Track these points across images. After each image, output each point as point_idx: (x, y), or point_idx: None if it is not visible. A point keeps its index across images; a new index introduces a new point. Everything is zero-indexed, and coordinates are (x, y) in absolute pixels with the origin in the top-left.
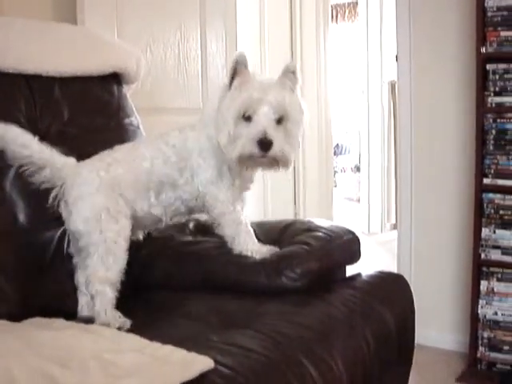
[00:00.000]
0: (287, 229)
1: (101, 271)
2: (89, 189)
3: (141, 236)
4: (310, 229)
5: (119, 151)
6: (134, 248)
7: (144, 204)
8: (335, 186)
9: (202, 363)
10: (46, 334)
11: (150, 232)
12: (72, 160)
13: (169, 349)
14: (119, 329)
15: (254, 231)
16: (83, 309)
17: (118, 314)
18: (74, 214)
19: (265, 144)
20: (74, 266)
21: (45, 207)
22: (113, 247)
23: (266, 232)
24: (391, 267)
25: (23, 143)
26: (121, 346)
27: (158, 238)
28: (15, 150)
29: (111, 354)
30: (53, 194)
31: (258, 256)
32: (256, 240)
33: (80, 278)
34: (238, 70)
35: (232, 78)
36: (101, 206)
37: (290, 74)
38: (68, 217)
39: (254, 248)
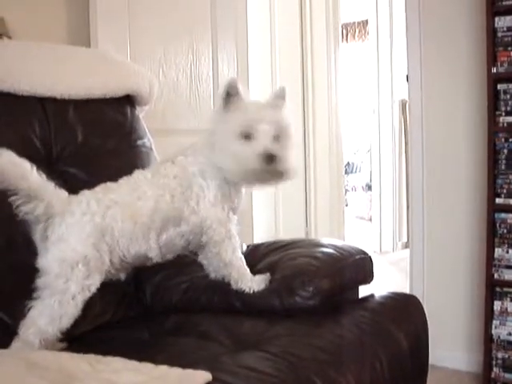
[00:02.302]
0: (296, 243)
1: (42, 321)
2: (77, 234)
3: (123, 276)
4: (319, 244)
5: (118, 190)
6: (148, 272)
7: (141, 248)
8: (346, 205)
9: (201, 377)
10: (44, 357)
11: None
12: (64, 194)
13: (163, 368)
14: None
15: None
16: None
17: None
18: (52, 252)
19: (269, 158)
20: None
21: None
22: (68, 304)
23: (274, 244)
24: (403, 286)
25: (22, 174)
26: (115, 366)
27: (171, 262)
28: (12, 182)
29: (109, 374)
30: (40, 228)
31: (256, 289)
32: (248, 271)
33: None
34: (230, 94)
35: (225, 103)
36: (82, 255)
37: (279, 98)
38: (43, 252)
39: (250, 285)
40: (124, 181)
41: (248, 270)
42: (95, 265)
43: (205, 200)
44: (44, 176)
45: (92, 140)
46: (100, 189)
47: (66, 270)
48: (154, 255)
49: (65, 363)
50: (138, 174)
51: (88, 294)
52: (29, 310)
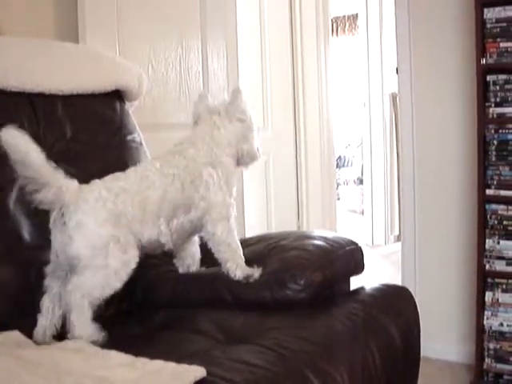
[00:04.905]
0: (286, 235)
1: (85, 288)
2: (94, 220)
3: None
4: (310, 236)
5: (125, 179)
6: (139, 268)
7: (152, 233)
8: (338, 199)
9: (195, 372)
10: (37, 353)
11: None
12: (75, 183)
13: (158, 363)
14: (94, 343)
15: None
16: (39, 333)
17: (94, 326)
18: (77, 240)
19: None
20: (45, 287)
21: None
22: (111, 277)
23: (265, 238)
24: (395, 279)
25: (31, 162)
26: (109, 362)
27: (163, 258)
28: (20, 166)
29: (102, 370)
30: (52, 217)
31: (241, 278)
32: (243, 258)
33: (46, 301)
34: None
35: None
36: (109, 236)
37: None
38: (67, 241)
39: (240, 274)
40: (131, 171)
41: (243, 257)
42: (125, 240)
43: (214, 186)
44: (54, 165)
45: (81, 135)
46: (109, 178)
47: (99, 251)
48: (166, 240)
49: (57, 359)
50: (145, 164)
51: (129, 270)
52: (64, 283)
